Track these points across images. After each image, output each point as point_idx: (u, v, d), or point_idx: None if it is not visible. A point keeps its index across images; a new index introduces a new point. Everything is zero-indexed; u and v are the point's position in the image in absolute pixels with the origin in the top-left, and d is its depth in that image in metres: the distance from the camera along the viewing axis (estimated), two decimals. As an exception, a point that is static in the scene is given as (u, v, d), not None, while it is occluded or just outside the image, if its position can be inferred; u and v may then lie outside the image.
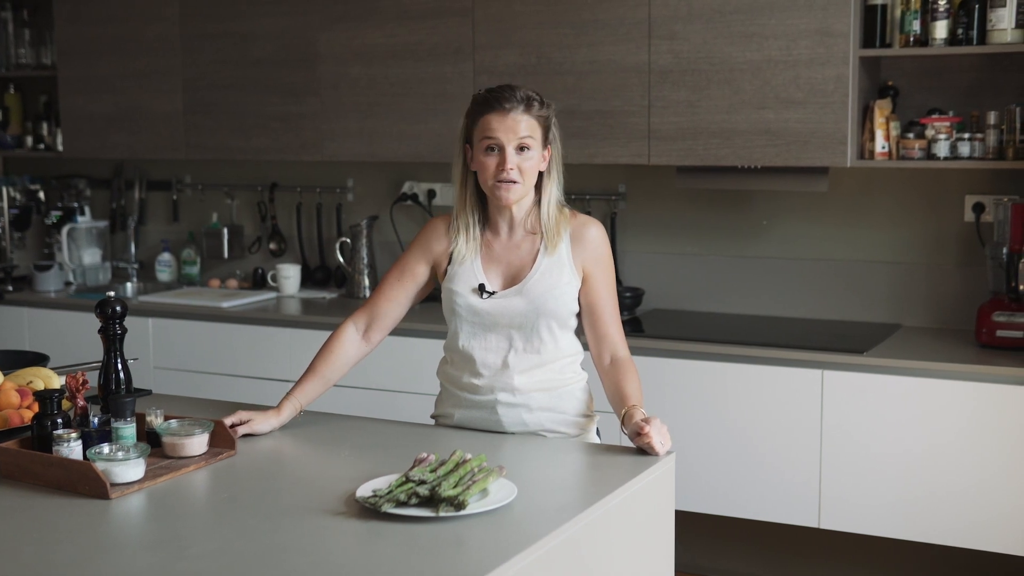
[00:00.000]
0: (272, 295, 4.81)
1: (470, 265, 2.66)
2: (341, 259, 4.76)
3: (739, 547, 4.21)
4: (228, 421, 2.58)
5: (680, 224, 4.38)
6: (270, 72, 4.60)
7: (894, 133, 3.79)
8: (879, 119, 3.77)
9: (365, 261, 4.71)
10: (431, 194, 4.73)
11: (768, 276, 4.26)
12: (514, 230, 2.68)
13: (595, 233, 2.68)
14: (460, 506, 2.07)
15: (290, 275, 4.82)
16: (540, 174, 2.64)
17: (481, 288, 2.64)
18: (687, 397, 3.82)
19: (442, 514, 2.06)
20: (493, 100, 2.58)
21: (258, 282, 5.00)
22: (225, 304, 4.59)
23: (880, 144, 3.78)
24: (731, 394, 3.77)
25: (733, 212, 4.29)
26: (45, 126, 5.31)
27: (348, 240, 4.73)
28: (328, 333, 4.16)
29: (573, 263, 2.65)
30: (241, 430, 2.60)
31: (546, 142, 2.63)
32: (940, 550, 3.85)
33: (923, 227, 4.04)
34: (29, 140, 5.33)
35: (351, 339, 2.76)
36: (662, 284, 4.41)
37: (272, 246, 5.07)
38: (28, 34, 5.27)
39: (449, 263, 2.69)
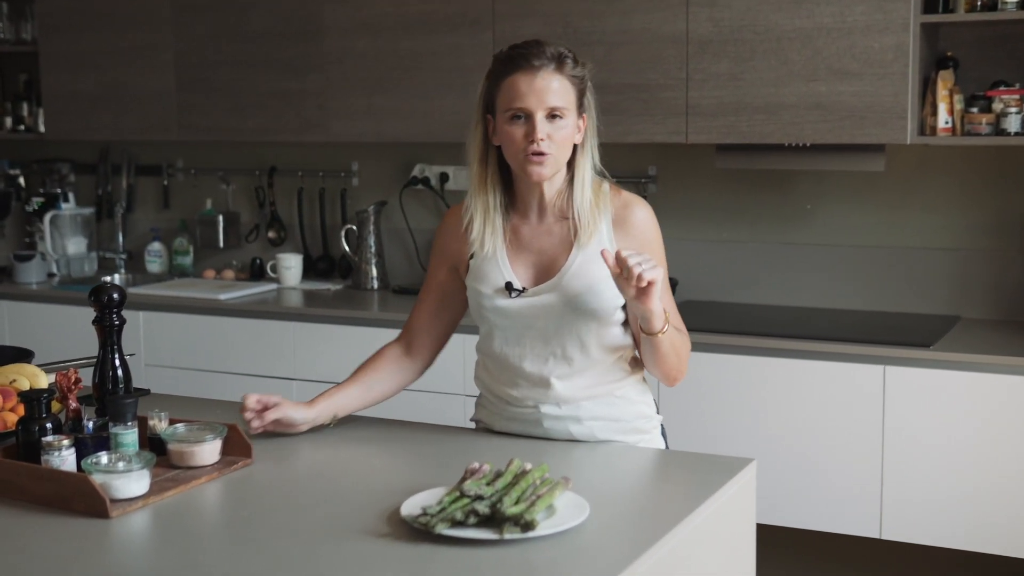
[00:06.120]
0: (272, 287, 4.69)
1: (495, 258, 2.36)
2: (346, 248, 4.63)
3: (790, 560, 4.00)
4: (253, 399, 2.35)
5: (716, 208, 4.20)
6: (269, 46, 4.46)
7: (958, 107, 3.56)
8: (942, 91, 3.54)
9: (372, 250, 4.56)
10: (443, 178, 4.54)
11: (813, 264, 4.08)
12: (545, 213, 2.38)
13: (641, 216, 2.37)
14: (528, 526, 1.80)
15: (291, 265, 4.70)
16: (574, 147, 2.34)
17: (508, 287, 2.34)
18: (729, 396, 3.64)
19: (507, 536, 1.79)
20: (519, 58, 2.28)
21: (256, 273, 4.88)
22: (222, 296, 4.45)
23: (943, 119, 3.55)
24: (778, 392, 3.58)
25: (774, 195, 4.11)
26: (26, 106, 5.20)
27: (354, 227, 4.61)
28: (330, 327, 4.12)
29: None
30: (270, 415, 2.35)
31: (581, 109, 2.33)
32: (1013, 563, 3.64)
33: (985, 210, 3.85)
34: (9, 121, 5.22)
35: (393, 354, 2.52)
36: (696, 273, 4.23)
37: (271, 234, 4.96)
38: (6, 7, 5.16)
39: (471, 257, 2.39)
